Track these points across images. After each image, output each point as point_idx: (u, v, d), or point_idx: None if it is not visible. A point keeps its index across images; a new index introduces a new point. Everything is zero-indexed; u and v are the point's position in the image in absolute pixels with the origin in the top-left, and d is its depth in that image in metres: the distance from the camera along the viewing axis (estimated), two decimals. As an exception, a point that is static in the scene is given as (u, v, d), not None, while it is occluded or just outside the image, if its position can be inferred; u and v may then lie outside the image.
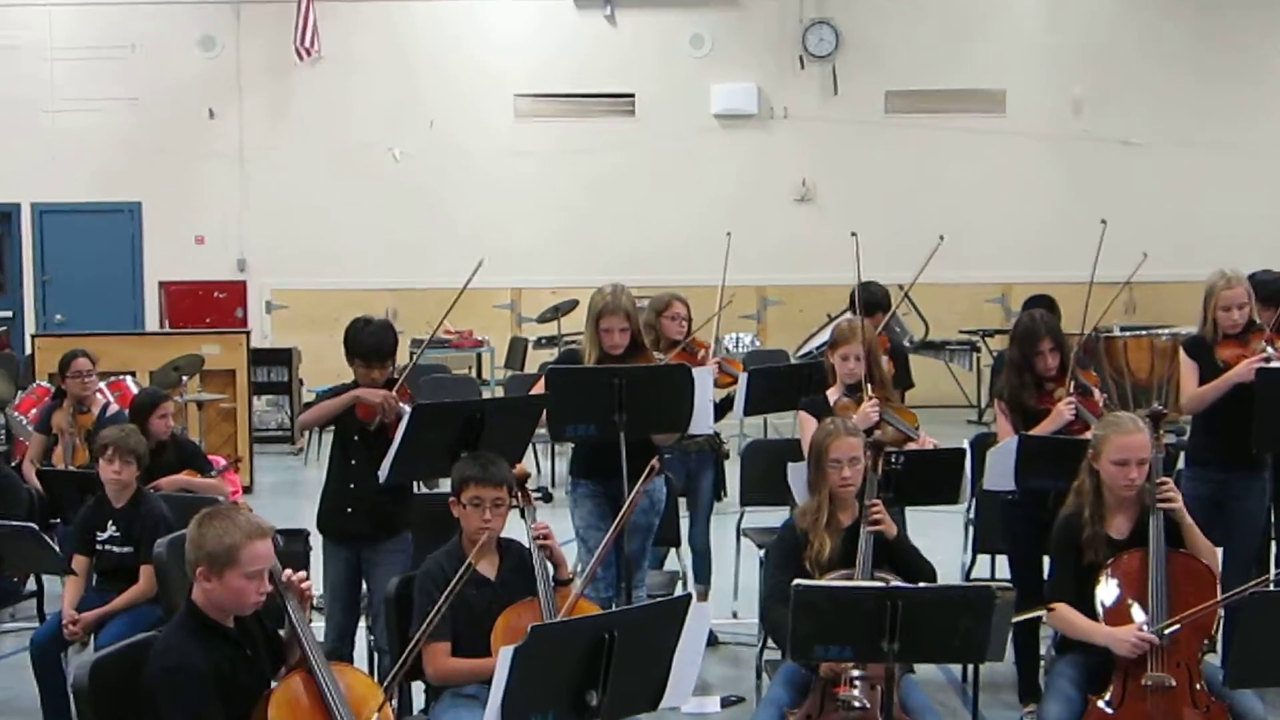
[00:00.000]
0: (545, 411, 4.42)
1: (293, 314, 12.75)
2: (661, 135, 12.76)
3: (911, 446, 4.84)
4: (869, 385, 4.96)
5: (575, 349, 4.99)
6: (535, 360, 11.04)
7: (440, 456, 4.06)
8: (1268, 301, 5.25)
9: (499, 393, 10.22)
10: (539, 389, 4.68)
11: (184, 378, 8.73)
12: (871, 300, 6.30)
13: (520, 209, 12.75)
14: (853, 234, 5.63)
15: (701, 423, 4.59)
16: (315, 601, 4.05)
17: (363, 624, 4.65)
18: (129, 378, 7.73)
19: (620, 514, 3.91)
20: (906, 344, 9.24)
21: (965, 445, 5.01)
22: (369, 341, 4.52)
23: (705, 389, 4.60)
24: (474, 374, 11.45)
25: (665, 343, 5.87)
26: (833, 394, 5.05)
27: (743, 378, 5.90)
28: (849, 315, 6.40)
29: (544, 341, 11.32)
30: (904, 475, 4.47)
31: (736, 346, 10.70)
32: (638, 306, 4.88)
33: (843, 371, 5.04)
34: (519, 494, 3.83)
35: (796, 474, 4.42)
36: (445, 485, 3.96)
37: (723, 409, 5.86)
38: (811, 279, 12.56)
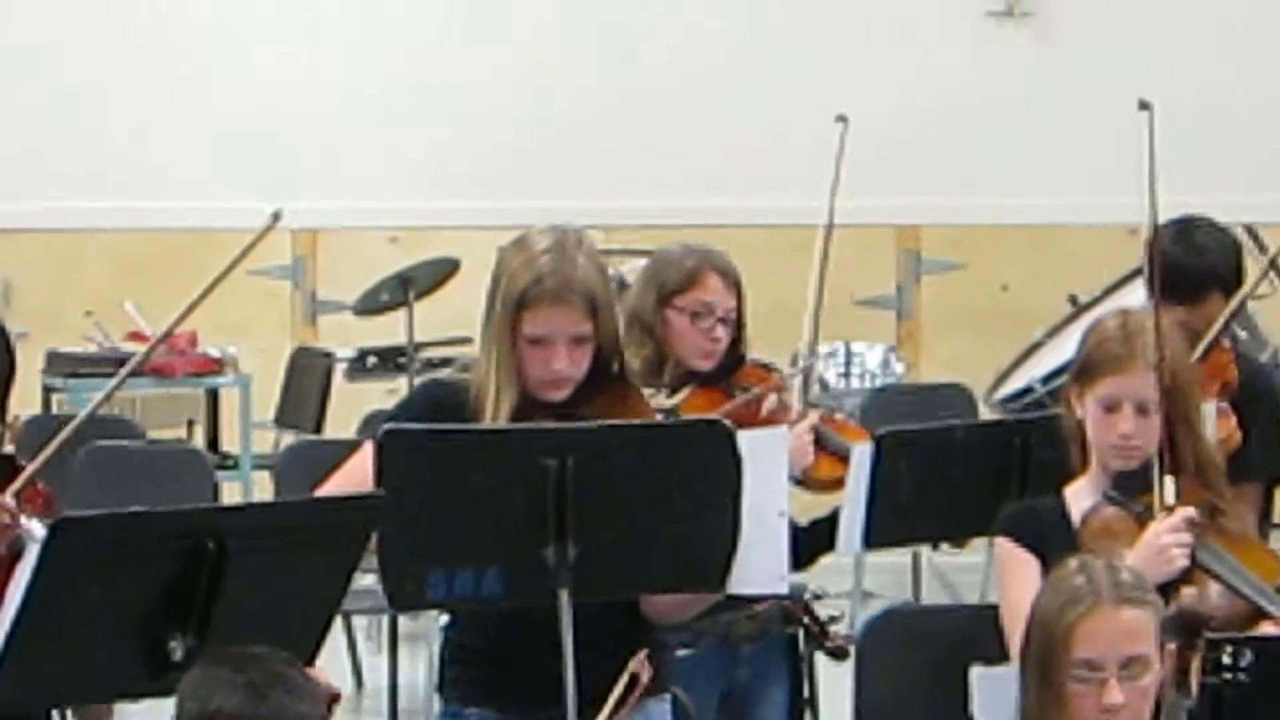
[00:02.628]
0: (377, 537, 4.51)
1: None
2: None
3: (1269, 629, 4.91)
4: (1169, 480, 5.00)
5: (451, 382, 5.17)
6: (351, 405, 11.24)
7: (114, 654, 4.21)
8: None
9: (261, 489, 10.41)
10: (352, 477, 4.86)
11: None
12: (1190, 268, 6.33)
13: (317, 40, 13.15)
14: (1144, 105, 5.57)
15: (764, 571, 4.76)
16: None
17: None
18: None
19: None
20: (1271, 364, 9.25)
21: None
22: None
23: (774, 483, 4.76)
24: (200, 441, 11.62)
25: (676, 369, 5.98)
26: (1079, 496, 5.21)
27: (862, 455, 5.99)
28: (1127, 301, 6.40)
29: (372, 362, 11.67)
30: (1252, 699, 4.52)
31: (849, 376, 10.81)
32: (613, 276, 4.98)
33: (1106, 442, 5.13)
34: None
35: (991, 691, 4.59)
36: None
37: (818, 538, 5.95)
38: (1026, 208, 12.87)
